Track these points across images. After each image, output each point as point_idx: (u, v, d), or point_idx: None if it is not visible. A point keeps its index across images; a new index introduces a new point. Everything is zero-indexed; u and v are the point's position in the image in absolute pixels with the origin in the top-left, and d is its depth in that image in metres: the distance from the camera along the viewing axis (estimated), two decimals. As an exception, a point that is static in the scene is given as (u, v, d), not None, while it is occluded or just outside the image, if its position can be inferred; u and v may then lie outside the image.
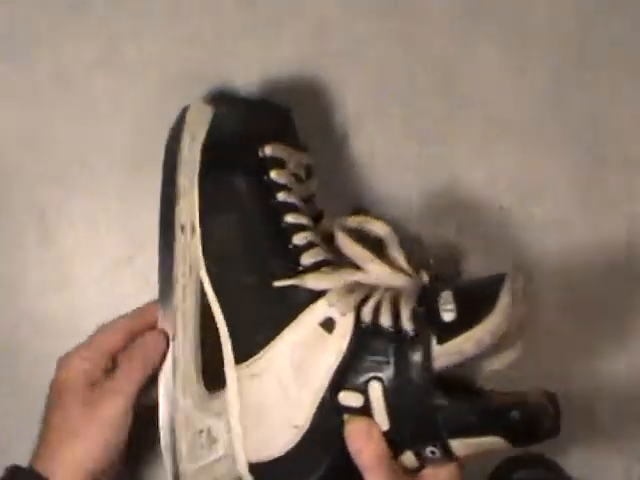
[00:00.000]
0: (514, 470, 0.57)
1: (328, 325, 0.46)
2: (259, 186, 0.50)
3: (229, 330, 0.49)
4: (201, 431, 0.50)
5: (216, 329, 0.51)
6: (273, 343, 0.47)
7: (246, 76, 0.59)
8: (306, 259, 0.48)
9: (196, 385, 0.51)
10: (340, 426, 0.45)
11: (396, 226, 0.51)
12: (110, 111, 0.59)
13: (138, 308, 0.55)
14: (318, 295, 0.47)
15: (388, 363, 0.44)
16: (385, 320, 0.45)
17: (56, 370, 0.53)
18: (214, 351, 0.51)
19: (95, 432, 0.49)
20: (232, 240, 0.50)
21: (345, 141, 0.59)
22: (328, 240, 0.51)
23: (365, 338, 0.45)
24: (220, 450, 0.50)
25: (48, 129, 0.59)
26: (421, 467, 0.46)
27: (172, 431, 0.51)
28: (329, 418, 0.46)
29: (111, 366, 0.52)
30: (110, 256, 0.59)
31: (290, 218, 0.49)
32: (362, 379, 0.45)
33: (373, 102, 0.60)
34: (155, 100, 0.59)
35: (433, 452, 0.44)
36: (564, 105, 0.61)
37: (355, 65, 0.60)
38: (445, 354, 0.43)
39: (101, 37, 0.59)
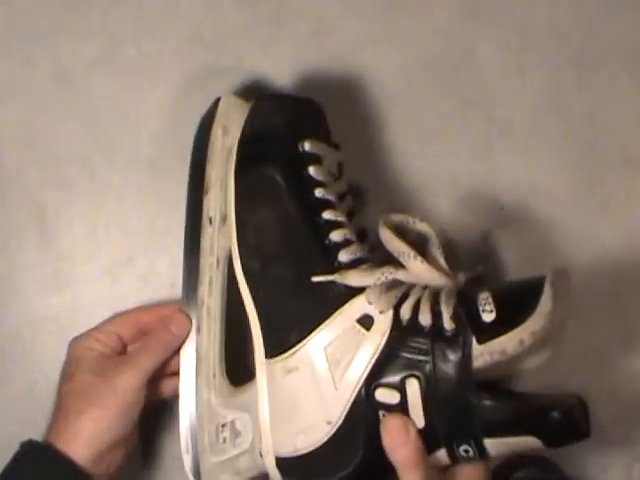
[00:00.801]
0: (514, 470, 0.57)
1: (366, 322, 0.46)
2: (298, 181, 0.50)
3: (262, 324, 0.50)
4: (224, 425, 0.51)
5: (240, 323, 0.51)
6: (309, 338, 0.47)
7: (246, 76, 0.59)
8: (343, 256, 0.48)
9: (220, 379, 0.51)
10: (375, 423, 0.45)
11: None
12: (110, 111, 0.59)
13: (153, 304, 0.56)
14: (356, 292, 0.47)
15: (427, 361, 0.44)
16: (424, 319, 0.45)
17: (68, 350, 0.53)
18: (238, 345, 0.52)
19: (109, 401, 0.49)
20: (269, 234, 0.50)
21: (345, 141, 0.59)
22: (360, 237, 0.51)
23: (403, 336, 0.45)
24: (244, 444, 0.50)
25: (48, 129, 0.59)
26: (451, 465, 0.46)
27: (193, 425, 0.51)
28: (364, 415, 0.46)
29: (122, 350, 0.53)
30: (110, 256, 0.59)
31: (327, 214, 0.49)
32: (399, 376, 0.45)
33: (373, 102, 0.60)
34: (155, 100, 0.59)
35: (467, 451, 0.44)
36: (564, 105, 0.61)
37: (355, 65, 0.60)
38: (486, 353, 0.43)
39: (101, 37, 0.59)
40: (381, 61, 0.60)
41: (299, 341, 0.47)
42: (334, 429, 0.46)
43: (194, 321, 0.52)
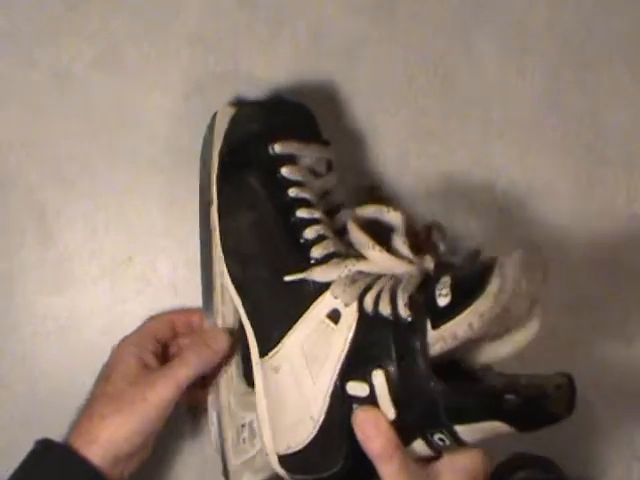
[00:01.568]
0: (514, 470, 0.57)
1: (334, 316, 0.46)
2: (271, 183, 0.51)
3: (252, 325, 0.50)
4: (243, 425, 0.52)
5: None
6: (287, 336, 0.48)
7: (246, 76, 0.59)
8: (316, 252, 0.49)
9: (237, 380, 0.52)
10: (350, 417, 0.45)
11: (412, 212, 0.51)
12: (110, 111, 0.59)
13: (182, 309, 0.58)
14: (325, 287, 0.47)
15: (390, 351, 0.44)
16: (384, 308, 0.45)
17: (109, 355, 0.54)
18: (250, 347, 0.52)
19: (137, 410, 0.50)
20: (247, 237, 0.51)
21: (344, 141, 0.59)
22: (341, 233, 0.51)
23: (369, 327, 0.45)
24: (258, 444, 0.51)
25: (48, 129, 0.59)
26: (438, 455, 0.46)
27: (220, 429, 0.52)
28: (342, 409, 0.46)
29: (160, 351, 0.54)
30: (110, 256, 0.59)
31: (301, 213, 0.50)
32: (366, 368, 0.45)
33: (373, 102, 0.60)
34: (155, 100, 0.59)
35: (442, 439, 0.44)
36: (564, 105, 0.61)
37: (355, 65, 0.60)
38: (440, 339, 0.43)
39: (101, 37, 0.59)
40: (381, 61, 0.60)
41: (280, 340, 0.48)
42: (318, 425, 0.46)
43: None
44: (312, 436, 0.47)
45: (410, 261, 0.47)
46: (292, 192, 0.50)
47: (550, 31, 0.61)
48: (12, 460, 0.50)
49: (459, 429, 0.43)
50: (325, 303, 0.47)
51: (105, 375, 0.53)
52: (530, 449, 0.58)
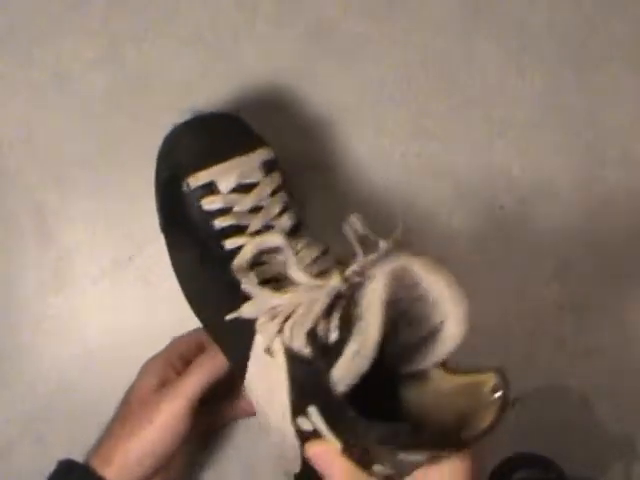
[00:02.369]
0: (514, 470, 0.57)
1: (270, 352, 0.44)
2: (197, 221, 0.48)
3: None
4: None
5: None
6: (247, 373, 0.47)
7: (246, 76, 0.59)
8: (245, 285, 0.45)
9: None
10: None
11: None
12: (110, 111, 0.59)
13: None
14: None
15: (315, 387, 0.41)
16: (297, 343, 0.43)
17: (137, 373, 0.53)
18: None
19: (146, 435, 0.49)
20: (186, 278, 0.50)
21: (344, 141, 0.59)
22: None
23: (296, 362, 0.43)
24: None
25: (48, 129, 0.59)
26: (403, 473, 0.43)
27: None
28: (301, 440, 0.45)
29: (182, 368, 0.52)
30: (110, 256, 0.59)
31: (230, 243, 0.47)
32: (304, 403, 0.43)
33: (373, 102, 0.60)
34: (155, 100, 0.59)
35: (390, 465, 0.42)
36: (564, 105, 0.61)
37: (355, 65, 0.60)
38: (341, 379, 0.40)
39: (101, 37, 0.59)
40: (381, 61, 0.60)
41: (244, 375, 0.47)
42: (299, 454, 0.46)
43: None
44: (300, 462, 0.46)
45: (312, 286, 0.43)
46: (218, 223, 0.47)
47: (550, 31, 0.61)
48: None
49: (402, 456, 0.40)
50: (259, 340, 0.45)
51: (127, 393, 0.52)
52: (530, 449, 0.58)
